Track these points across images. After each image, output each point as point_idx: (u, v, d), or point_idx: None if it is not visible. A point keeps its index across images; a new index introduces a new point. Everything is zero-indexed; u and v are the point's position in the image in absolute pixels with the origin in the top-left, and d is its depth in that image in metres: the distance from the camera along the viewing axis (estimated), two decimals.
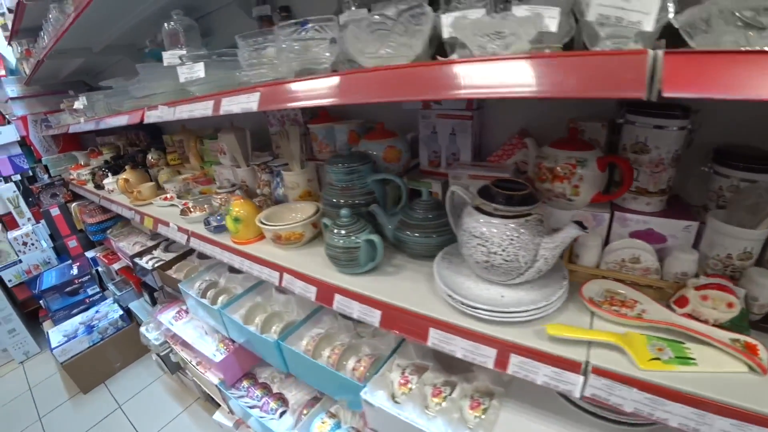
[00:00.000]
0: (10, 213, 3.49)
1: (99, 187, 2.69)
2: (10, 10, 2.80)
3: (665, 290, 0.85)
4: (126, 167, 2.33)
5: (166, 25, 1.33)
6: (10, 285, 3.31)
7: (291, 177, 1.40)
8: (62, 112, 3.11)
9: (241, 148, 1.62)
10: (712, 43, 0.51)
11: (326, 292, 1.09)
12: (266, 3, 1.57)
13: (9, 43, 3.40)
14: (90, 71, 3.65)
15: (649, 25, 0.53)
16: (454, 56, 0.79)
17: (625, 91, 0.50)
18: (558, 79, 0.54)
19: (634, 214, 0.93)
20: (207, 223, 1.51)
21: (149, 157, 2.41)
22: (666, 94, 0.47)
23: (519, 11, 0.72)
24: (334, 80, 0.74)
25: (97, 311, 2.95)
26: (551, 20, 0.71)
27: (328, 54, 0.86)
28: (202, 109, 1.09)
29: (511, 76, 0.57)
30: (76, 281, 3.10)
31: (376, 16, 0.66)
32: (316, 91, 0.78)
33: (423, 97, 0.64)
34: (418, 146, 1.32)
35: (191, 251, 2.30)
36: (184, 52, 1.21)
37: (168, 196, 2.02)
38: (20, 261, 3.32)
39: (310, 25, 0.82)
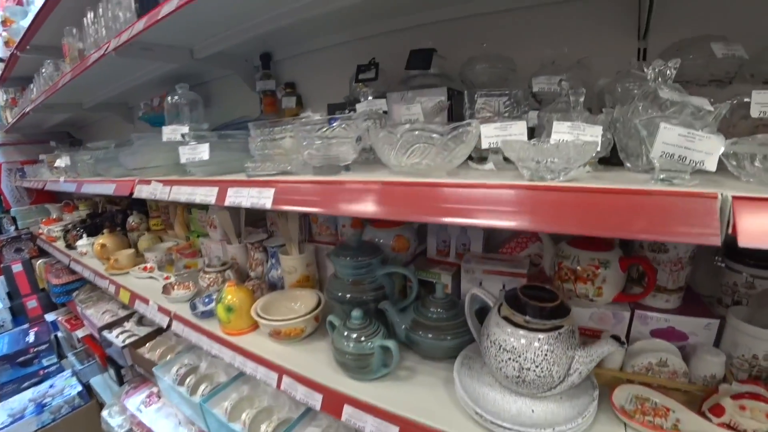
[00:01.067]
0: None
1: (70, 247, 2.50)
2: (1, 60, 2.73)
3: (694, 393, 0.83)
4: (104, 230, 2.18)
5: (169, 98, 1.27)
6: None
7: (289, 261, 1.30)
8: (40, 164, 2.96)
9: (234, 224, 1.52)
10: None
11: (334, 401, 0.96)
12: (270, 78, 1.55)
13: None
14: (75, 123, 3.56)
15: (712, 165, 0.50)
16: (488, 164, 0.75)
17: (697, 236, 0.46)
18: (620, 220, 0.49)
19: (654, 312, 0.91)
20: (193, 306, 1.37)
21: (130, 220, 2.27)
22: (743, 244, 0.43)
23: (561, 128, 0.69)
24: (365, 188, 0.67)
25: (51, 386, 2.62)
26: (593, 139, 0.68)
27: (352, 152, 0.80)
28: (204, 195, 1.00)
29: (564, 211, 0.51)
30: (31, 350, 2.79)
31: (420, 131, 0.60)
32: (342, 198, 0.70)
33: (469, 222, 0.58)
34: (426, 233, 1.25)
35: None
36: (186, 128, 1.14)
37: (148, 266, 1.87)
38: None
39: (337, 123, 0.76)
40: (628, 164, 0.75)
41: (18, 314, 3.23)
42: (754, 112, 0.70)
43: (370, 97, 0.99)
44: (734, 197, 0.45)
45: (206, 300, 1.39)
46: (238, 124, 1.32)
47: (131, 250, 2.00)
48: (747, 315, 0.83)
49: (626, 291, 0.97)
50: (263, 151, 0.90)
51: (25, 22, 2.30)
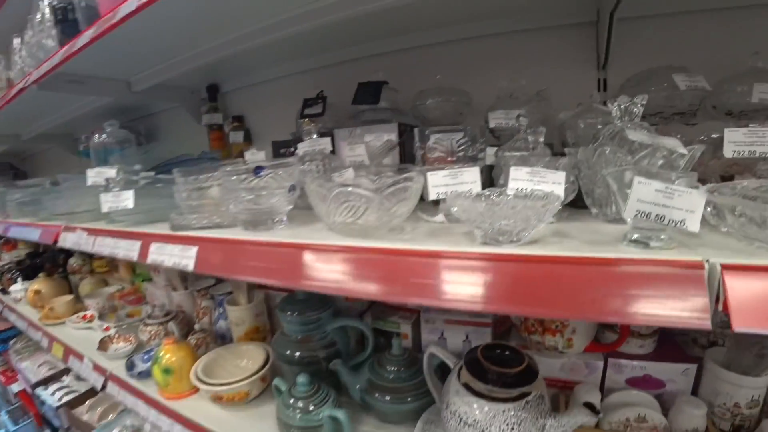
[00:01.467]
0: None
1: (5, 291, 2.27)
2: None
3: None
4: (41, 273, 1.98)
5: (96, 136, 1.15)
6: None
7: (236, 312, 1.18)
8: None
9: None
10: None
11: None
12: (217, 111, 1.45)
13: None
14: (18, 155, 3.32)
15: (694, 225, 0.43)
16: (439, 216, 0.67)
17: (682, 320, 0.39)
18: (588, 298, 0.42)
19: (628, 360, 0.87)
20: (131, 365, 1.22)
21: (71, 261, 2.08)
22: (738, 329, 0.37)
23: (519, 175, 0.62)
24: (291, 254, 0.58)
25: None
26: (556, 187, 0.61)
27: (286, 203, 0.71)
28: (127, 250, 0.88)
29: (521, 288, 0.44)
30: None
31: (351, 188, 0.52)
32: (269, 262, 0.61)
33: (399, 299, 0.49)
34: None
35: None
36: (113, 171, 1.02)
37: (88, 314, 1.69)
38: None
39: (265, 172, 0.67)
40: (594, 210, 0.69)
41: None
42: (728, 153, 0.66)
43: (314, 135, 0.91)
44: (723, 266, 0.39)
45: (145, 357, 1.25)
46: (180, 163, 1.21)
47: (69, 297, 1.81)
48: (726, 358, 0.79)
49: (599, 339, 0.92)
50: (189, 201, 0.79)
51: None
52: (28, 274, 2.21)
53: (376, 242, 0.52)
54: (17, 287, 2.10)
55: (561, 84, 1.08)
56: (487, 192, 0.59)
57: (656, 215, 0.44)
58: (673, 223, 0.44)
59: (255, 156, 1.08)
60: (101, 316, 1.69)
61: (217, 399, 1.01)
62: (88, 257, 2.11)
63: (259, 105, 1.43)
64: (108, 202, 0.92)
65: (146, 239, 0.84)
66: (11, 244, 2.84)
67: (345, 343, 1.00)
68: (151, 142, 1.75)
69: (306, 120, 1.08)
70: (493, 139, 0.98)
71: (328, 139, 0.89)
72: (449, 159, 0.83)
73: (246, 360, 1.11)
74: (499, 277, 0.45)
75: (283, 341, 0.99)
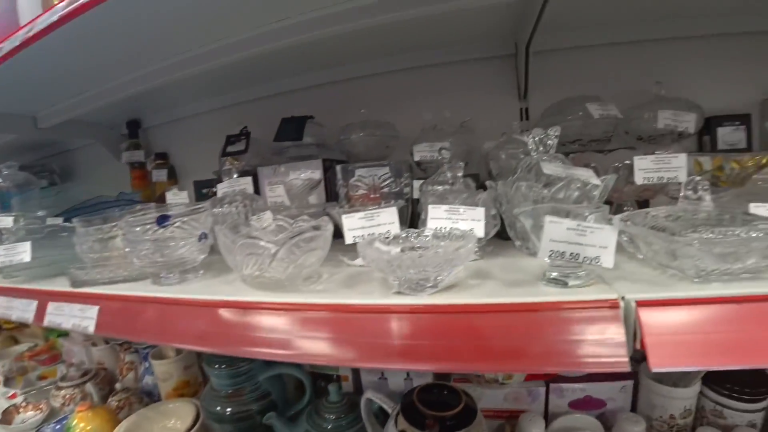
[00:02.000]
0: None
1: None
2: None
3: None
4: None
5: None
6: None
7: (163, 366, 1.08)
8: None
9: None
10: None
11: None
12: (139, 148, 1.36)
13: None
14: None
15: (609, 261, 0.44)
16: (359, 260, 0.64)
17: (600, 364, 0.40)
18: (508, 348, 0.41)
19: (569, 384, 0.87)
20: None
21: None
22: (656, 369, 0.38)
23: (437, 214, 0.61)
24: (194, 312, 0.53)
25: None
26: (476, 224, 0.61)
27: (197, 253, 0.66)
28: (21, 311, 0.78)
29: (437, 344, 0.42)
30: None
31: (251, 240, 0.48)
32: (173, 322, 0.55)
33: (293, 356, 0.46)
34: None
35: None
36: (9, 220, 0.92)
37: None
38: None
39: (170, 222, 0.62)
40: (518, 243, 0.69)
41: None
42: (638, 180, 0.70)
43: (235, 175, 0.86)
44: (638, 303, 0.39)
45: (57, 427, 1.10)
46: (94, 206, 1.10)
47: None
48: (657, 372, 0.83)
49: None
50: (92, 254, 0.72)
51: None
52: None
53: (284, 295, 0.49)
54: None
55: (485, 114, 1.11)
56: (404, 234, 0.57)
57: (570, 254, 0.44)
58: (588, 261, 0.44)
59: (177, 197, 1.01)
60: (8, 381, 1.49)
61: None
62: None
63: (184, 141, 1.35)
64: (1, 255, 0.81)
65: (43, 298, 0.75)
66: None
67: (280, 393, 0.94)
68: (66, 181, 1.60)
69: (229, 158, 1.03)
70: (420, 171, 0.98)
71: (248, 179, 0.85)
72: (373, 196, 0.81)
73: (174, 419, 1.01)
74: (412, 330, 0.43)
75: (212, 397, 0.91)
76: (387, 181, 0.80)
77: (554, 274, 0.49)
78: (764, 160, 0.76)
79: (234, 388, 0.89)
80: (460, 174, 0.74)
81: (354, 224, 0.59)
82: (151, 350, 1.14)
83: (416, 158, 0.93)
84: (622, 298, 0.41)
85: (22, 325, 1.80)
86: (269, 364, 0.94)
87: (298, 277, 0.52)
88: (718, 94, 0.98)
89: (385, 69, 1.14)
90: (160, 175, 1.28)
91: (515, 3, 0.83)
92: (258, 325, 0.49)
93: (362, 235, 0.59)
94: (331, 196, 0.90)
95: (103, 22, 0.75)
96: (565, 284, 0.47)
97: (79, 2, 0.69)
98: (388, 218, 0.62)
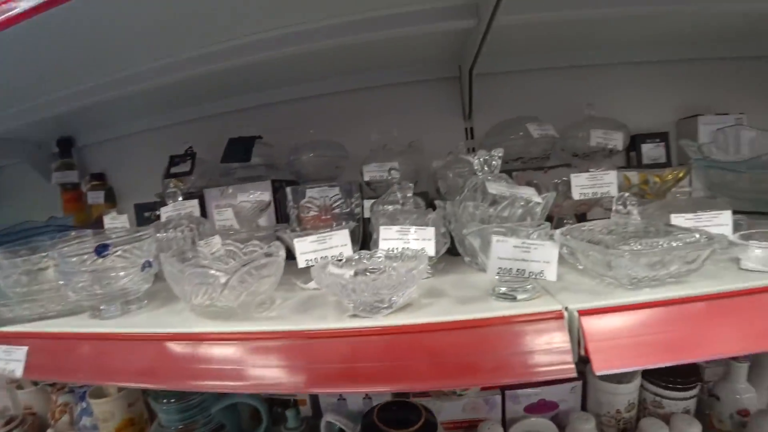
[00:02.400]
0: None
1: None
2: None
3: None
4: None
5: None
6: None
7: (103, 406, 0.99)
8: None
9: None
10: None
11: None
12: (72, 168, 1.26)
13: None
14: None
15: (551, 275, 0.47)
16: (312, 283, 0.64)
17: (550, 372, 0.43)
18: (462, 365, 0.42)
19: (523, 389, 0.91)
20: None
21: None
22: (599, 372, 0.41)
23: (389, 234, 0.62)
24: (135, 347, 0.50)
25: None
26: (426, 243, 0.62)
27: (142, 282, 0.62)
28: None
29: (396, 364, 0.42)
30: None
31: (203, 269, 0.47)
32: (113, 359, 0.51)
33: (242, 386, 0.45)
34: None
35: None
36: None
37: None
38: None
39: (110, 251, 0.58)
40: (467, 259, 0.71)
41: None
42: (576, 195, 0.76)
43: (179, 198, 0.83)
44: (580, 312, 0.43)
45: None
46: (20, 233, 1.00)
47: None
48: None
49: None
50: (17, 288, 0.65)
51: None
52: None
53: (236, 324, 0.48)
54: None
55: (433, 134, 1.16)
56: (356, 256, 0.58)
57: (517, 269, 0.47)
58: (533, 275, 0.47)
59: (115, 221, 0.96)
60: None
61: None
62: None
63: (124, 161, 1.27)
64: None
65: None
66: None
67: (235, 423, 0.90)
68: None
69: (173, 180, 0.99)
70: (370, 191, 0.99)
71: (194, 202, 0.82)
72: (324, 217, 0.81)
73: None
74: (369, 352, 0.44)
75: None
76: (338, 202, 0.81)
77: (503, 289, 0.52)
78: (680, 174, 0.85)
79: (184, 423, 0.83)
80: (410, 194, 0.76)
81: (306, 248, 0.59)
82: (89, 389, 1.05)
83: (366, 178, 0.95)
84: (566, 308, 0.44)
85: None
86: (223, 394, 0.89)
87: (251, 304, 0.51)
88: (642, 114, 1.10)
89: (334, 89, 1.16)
90: (96, 197, 1.20)
91: (459, 31, 0.88)
92: (207, 356, 0.47)
93: (315, 258, 0.59)
94: (282, 218, 0.89)
95: (33, 34, 0.70)
96: (513, 298, 0.50)
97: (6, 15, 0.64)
98: (340, 240, 0.62)
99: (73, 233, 0.81)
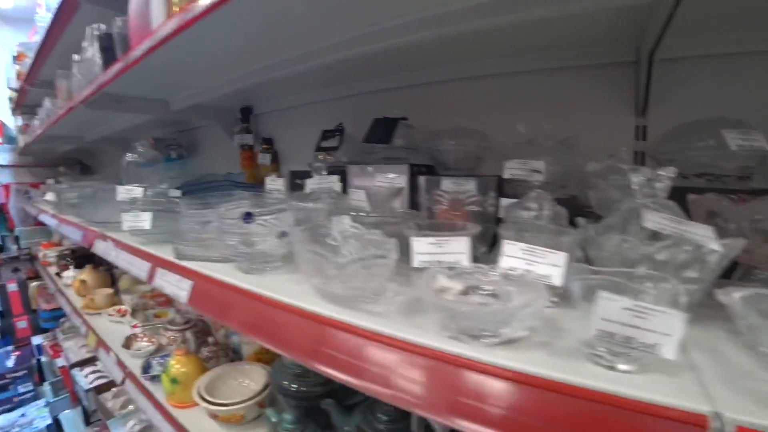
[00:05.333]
0: None
1: (59, 275, 2.49)
2: (15, 90, 2.84)
3: None
4: (89, 264, 2.15)
5: (129, 155, 1.23)
6: None
7: None
8: (41, 189, 3.01)
9: None
10: None
11: None
12: (249, 132, 1.50)
13: (13, 115, 3.43)
14: (86, 152, 3.62)
15: (670, 352, 0.37)
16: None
17: None
18: None
19: None
20: (147, 367, 1.29)
21: None
22: None
23: (513, 251, 0.58)
24: (261, 308, 0.58)
25: (23, 414, 2.54)
26: (554, 270, 0.56)
27: (278, 248, 0.72)
28: (139, 269, 0.93)
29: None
30: (8, 376, 2.73)
31: (320, 257, 0.52)
32: (251, 317, 0.62)
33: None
34: None
35: None
36: (139, 190, 1.09)
37: (122, 308, 1.81)
38: None
39: (253, 219, 0.68)
40: None
41: (6, 334, 3.22)
42: None
43: (323, 172, 0.92)
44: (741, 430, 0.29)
45: (161, 361, 1.31)
46: (203, 185, 1.26)
47: (110, 290, 1.95)
48: None
49: None
50: (192, 233, 0.83)
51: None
52: (80, 263, 2.40)
53: (341, 311, 0.52)
54: (69, 274, 2.29)
55: (593, 131, 0.98)
56: (471, 269, 0.55)
57: (624, 337, 0.39)
58: (643, 348, 0.38)
59: (274, 184, 1.11)
60: (134, 313, 1.80)
61: (214, 417, 1.04)
62: None
63: (288, 129, 1.46)
64: (128, 221, 0.98)
65: (155, 262, 0.89)
66: None
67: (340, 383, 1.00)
68: (192, 154, 1.85)
69: (324, 153, 1.09)
70: (509, 189, 0.93)
71: (335, 178, 0.90)
72: (456, 212, 0.80)
73: (249, 380, 1.14)
74: (453, 384, 0.42)
75: (282, 371, 1.00)
76: (472, 199, 0.78)
77: (601, 351, 0.41)
78: None
79: (302, 369, 0.97)
80: (547, 207, 0.69)
81: (423, 248, 0.59)
82: None
83: (506, 175, 0.88)
84: (716, 414, 0.30)
85: None
86: None
87: (361, 295, 0.54)
88: None
89: (483, 72, 1.08)
90: (264, 159, 1.41)
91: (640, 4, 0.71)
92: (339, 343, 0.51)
93: (428, 262, 0.59)
94: (416, 203, 0.89)
95: (220, 27, 0.83)
96: (611, 367, 0.40)
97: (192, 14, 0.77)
98: (458, 247, 0.60)
99: (238, 192, 0.98)
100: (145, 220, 0.95)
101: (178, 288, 0.75)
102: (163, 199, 1.06)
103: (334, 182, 0.92)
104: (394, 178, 0.91)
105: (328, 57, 1.00)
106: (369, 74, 1.19)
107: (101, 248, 1.21)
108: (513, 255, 0.57)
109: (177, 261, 0.82)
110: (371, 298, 0.56)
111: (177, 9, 0.82)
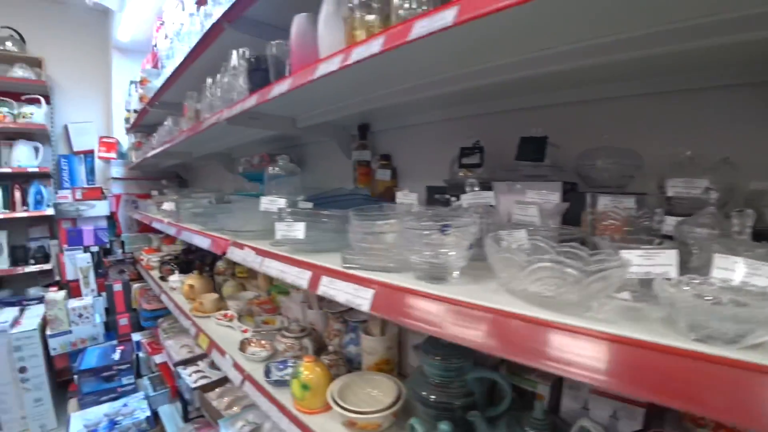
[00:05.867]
0: (77, 281, 3.61)
1: (163, 279, 2.70)
2: (135, 111, 3.19)
3: None
4: (194, 271, 2.31)
5: (270, 168, 1.33)
6: (53, 353, 3.25)
7: (371, 342, 1.24)
8: (149, 199, 3.32)
9: None
10: None
11: None
12: (366, 148, 1.56)
13: (127, 134, 3.84)
14: (186, 166, 3.97)
15: None
16: (624, 293, 0.63)
17: None
18: None
19: None
20: (268, 372, 1.35)
21: (219, 264, 2.39)
22: None
23: (725, 264, 0.57)
24: (482, 316, 0.60)
25: (125, 404, 2.77)
26: None
27: (462, 261, 0.74)
28: (296, 276, 0.99)
29: None
30: (115, 367, 2.99)
31: (553, 265, 0.52)
32: (455, 322, 0.63)
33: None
34: None
35: None
36: (282, 202, 1.17)
37: (229, 313, 1.93)
38: (71, 332, 3.31)
39: (450, 231, 0.71)
40: None
41: (110, 329, 3.53)
42: None
43: (476, 188, 0.94)
44: None
45: (280, 366, 1.37)
46: (333, 197, 1.32)
47: (215, 295, 2.09)
48: None
49: None
50: (362, 243, 0.87)
51: (157, 82, 2.67)
52: (183, 268, 2.60)
53: (573, 319, 0.51)
54: (174, 278, 2.48)
55: (753, 150, 0.95)
56: (685, 279, 0.55)
57: None
58: None
59: (407, 198, 1.14)
60: (239, 318, 1.91)
61: (350, 425, 1.06)
62: (232, 263, 2.42)
63: (407, 146, 1.51)
64: (281, 230, 1.04)
65: (317, 271, 0.93)
66: (169, 239, 3.37)
67: (481, 396, 0.99)
68: (301, 169, 1.96)
69: (464, 169, 1.12)
70: (668, 207, 0.90)
71: (491, 194, 0.91)
72: (624, 228, 0.79)
73: (377, 391, 1.16)
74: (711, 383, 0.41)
75: (421, 381, 1.01)
76: (643, 217, 0.77)
77: None
78: None
79: (443, 379, 0.97)
80: (749, 225, 0.66)
81: (632, 260, 0.59)
82: (361, 324, 1.33)
83: (670, 193, 0.86)
84: None
85: (249, 276, 2.28)
86: (477, 365, 1.00)
87: (580, 305, 0.54)
88: None
89: (625, 93, 1.06)
90: (383, 175, 1.46)
91: None
92: (542, 339, 0.52)
93: (635, 273, 0.59)
94: (568, 221, 0.89)
95: (414, 52, 0.88)
96: None
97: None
98: (666, 260, 0.59)
99: (386, 205, 1.02)
100: (298, 230, 1.01)
101: (354, 296, 0.79)
102: (300, 210, 1.13)
103: (489, 197, 0.93)
104: (546, 194, 0.92)
105: (479, 81, 1.04)
106: (502, 95, 1.21)
107: (238, 255, 1.29)
108: (725, 267, 0.57)
109: (349, 271, 0.86)
110: (587, 307, 0.55)
111: (360, 34, 0.88)
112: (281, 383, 1.30)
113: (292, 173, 1.32)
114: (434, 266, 0.73)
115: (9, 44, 3.78)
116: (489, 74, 0.99)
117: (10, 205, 3.76)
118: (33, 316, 3.23)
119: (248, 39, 1.49)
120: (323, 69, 0.97)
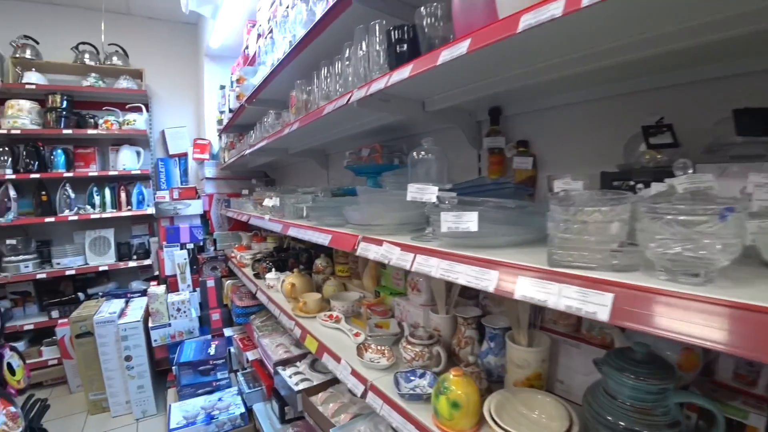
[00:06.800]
0: (175, 276, 3.81)
1: (258, 276, 2.72)
2: (231, 110, 3.29)
3: None
4: (293, 269, 2.28)
5: (414, 154, 1.20)
6: (154, 344, 3.44)
7: (522, 353, 1.07)
8: (244, 198, 3.40)
9: (448, 289, 1.37)
10: None
11: None
12: (499, 134, 1.40)
13: (219, 135, 4.01)
14: (273, 165, 4.05)
15: None
16: None
17: None
18: None
19: None
20: (397, 382, 1.23)
21: (318, 262, 2.34)
22: None
23: None
24: None
25: (220, 399, 2.84)
26: None
27: (724, 260, 0.55)
28: (475, 278, 0.84)
29: None
30: (211, 362, 3.09)
31: None
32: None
33: None
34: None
35: None
36: (435, 189, 1.03)
37: (334, 314, 1.85)
38: (170, 325, 3.48)
39: (730, 216, 0.52)
40: None
41: (204, 323, 3.67)
42: None
43: (690, 170, 0.74)
44: None
45: (411, 377, 1.25)
46: (478, 188, 1.16)
47: (318, 295, 2.02)
48: None
49: None
50: (565, 234, 0.71)
51: (254, 80, 2.70)
52: (278, 266, 2.59)
53: None
54: (271, 276, 2.46)
55: None
56: None
57: None
58: None
59: (570, 185, 0.96)
60: (346, 319, 1.82)
61: None
62: (331, 260, 2.36)
63: (548, 131, 1.31)
64: (448, 222, 0.91)
65: (507, 270, 0.78)
66: (259, 237, 3.44)
67: (688, 426, 0.79)
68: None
69: (652, 150, 0.92)
70: None
71: (710, 176, 0.72)
72: None
73: (538, 412, 0.98)
74: None
75: (608, 404, 0.82)
76: None
77: None
78: None
79: (641, 403, 0.78)
80: None
81: None
82: (503, 332, 1.16)
83: None
84: None
85: (351, 275, 2.20)
86: (685, 388, 0.80)
87: None
88: None
89: None
90: (523, 163, 1.29)
91: None
92: None
93: None
94: None
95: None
96: None
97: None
98: None
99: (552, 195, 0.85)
100: (471, 220, 0.87)
101: (583, 302, 0.63)
102: (467, 199, 0.98)
103: (710, 182, 0.73)
104: None
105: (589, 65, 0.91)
106: (663, 69, 1.00)
107: (374, 251, 1.18)
108: None
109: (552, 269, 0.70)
110: None
111: None
112: (416, 398, 1.17)
113: (439, 157, 1.18)
114: (697, 261, 0.54)
115: (115, 59, 4.25)
116: (662, 41, 0.80)
117: (116, 204, 4.09)
118: (137, 308, 3.44)
119: (373, 14, 1.39)
120: (527, 21, 0.78)
